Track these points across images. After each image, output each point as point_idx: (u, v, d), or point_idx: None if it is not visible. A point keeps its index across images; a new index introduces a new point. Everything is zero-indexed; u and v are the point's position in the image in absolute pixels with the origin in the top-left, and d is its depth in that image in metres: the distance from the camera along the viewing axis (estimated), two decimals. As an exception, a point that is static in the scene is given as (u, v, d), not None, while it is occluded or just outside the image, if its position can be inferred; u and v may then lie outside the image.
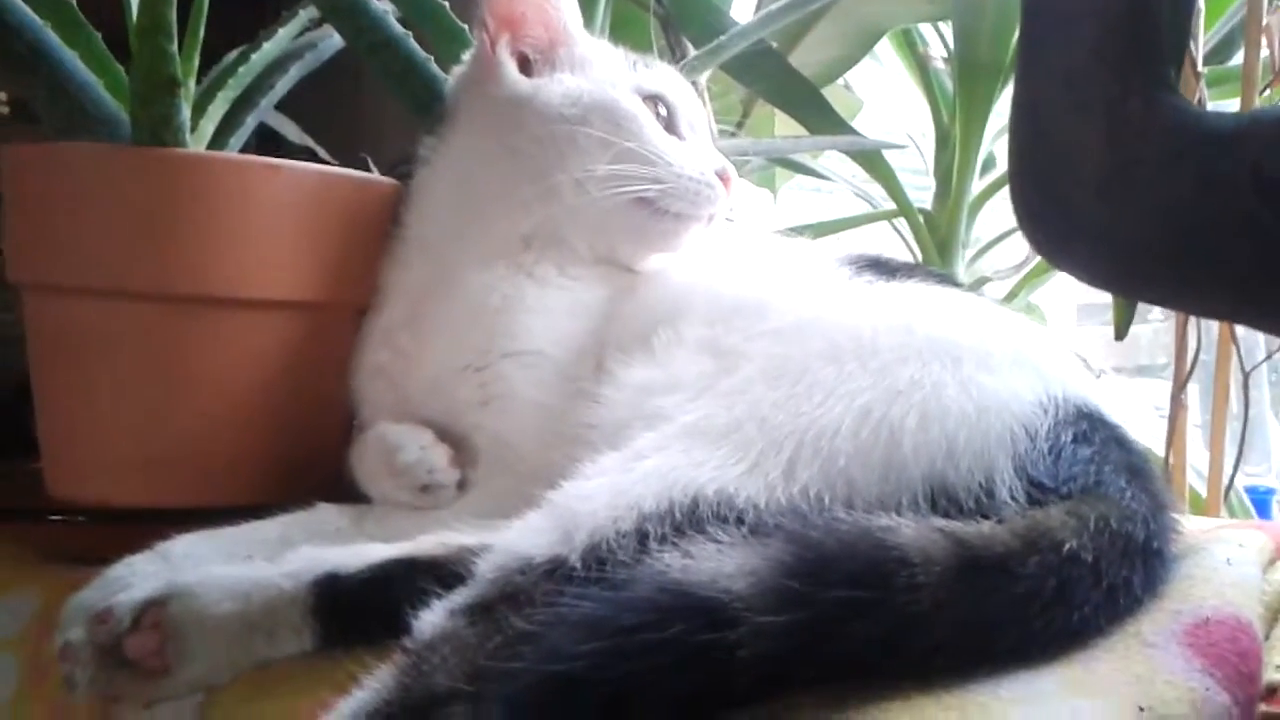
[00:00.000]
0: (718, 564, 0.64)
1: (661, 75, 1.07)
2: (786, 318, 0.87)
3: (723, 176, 1.02)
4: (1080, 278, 0.66)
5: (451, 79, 1.07)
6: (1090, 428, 0.79)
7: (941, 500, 0.72)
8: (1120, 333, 1.29)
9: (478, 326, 0.97)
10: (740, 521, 0.70)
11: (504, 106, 1.01)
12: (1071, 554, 0.69)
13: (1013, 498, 0.73)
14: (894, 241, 1.83)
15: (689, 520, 0.70)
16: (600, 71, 1.03)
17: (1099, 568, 0.70)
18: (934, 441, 0.74)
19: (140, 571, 0.82)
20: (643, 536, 0.70)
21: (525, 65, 1.02)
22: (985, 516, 0.71)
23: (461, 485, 0.94)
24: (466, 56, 1.06)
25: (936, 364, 0.78)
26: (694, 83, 1.57)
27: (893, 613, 0.63)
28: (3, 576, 0.97)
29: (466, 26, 1.15)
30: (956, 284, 1.01)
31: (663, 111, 1.03)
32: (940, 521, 0.69)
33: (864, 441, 0.74)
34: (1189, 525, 0.84)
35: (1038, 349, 0.84)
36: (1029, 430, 0.76)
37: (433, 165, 1.05)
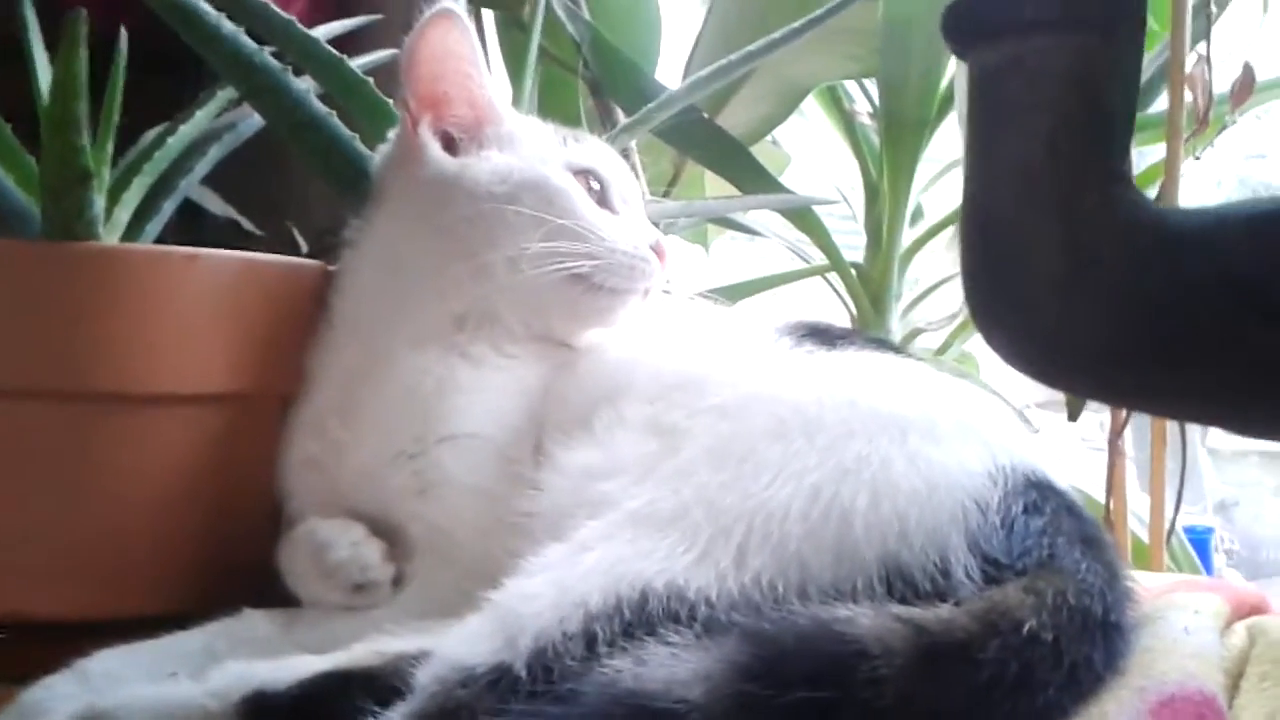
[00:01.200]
0: (670, 670, 0.61)
1: (592, 149, 1.05)
2: (729, 393, 0.85)
3: (657, 250, 1.00)
4: (1037, 378, 0.64)
5: (376, 158, 1.05)
6: (1040, 497, 0.77)
7: (897, 583, 0.70)
8: (1073, 415, 1.30)
9: (411, 411, 0.94)
10: (692, 617, 0.68)
11: (430, 186, 0.98)
12: (1032, 634, 0.67)
13: (968, 576, 0.71)
14: (828, 295, 1.83)
15: (638, 617, 0.68)
16: (529, 148, 1.01)
17: (1059, 647, 0.68)
18: (885, 520, 0.72)
19: (59, 694, 0.77)
20: (590, 638, 0.67)
21: (450, 144, 1.00)
22: (941, 598, 0.70)
23: (397, 581, 0.90)
24: (391, 135, 1.03)
25: (883, 438, 0.77)
26: (625, 149, 1.58)
27: (857, 711, 0.61)
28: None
29: (391, 101, 1.12)
30: (895, 348, 0.99)
31: (595, 185, 1.01)
32: (898, 609, 0.67)
33: (815, 523, 0.72)
34: (1140, 584, 0.83)
35: (981, 416, 0.83)
36: (980, 504, 0.74)
37: (359, 247, 1.02)
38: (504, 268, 0.96)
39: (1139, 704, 0.68)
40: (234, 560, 0.95)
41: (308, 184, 1.39)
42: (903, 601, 0.69)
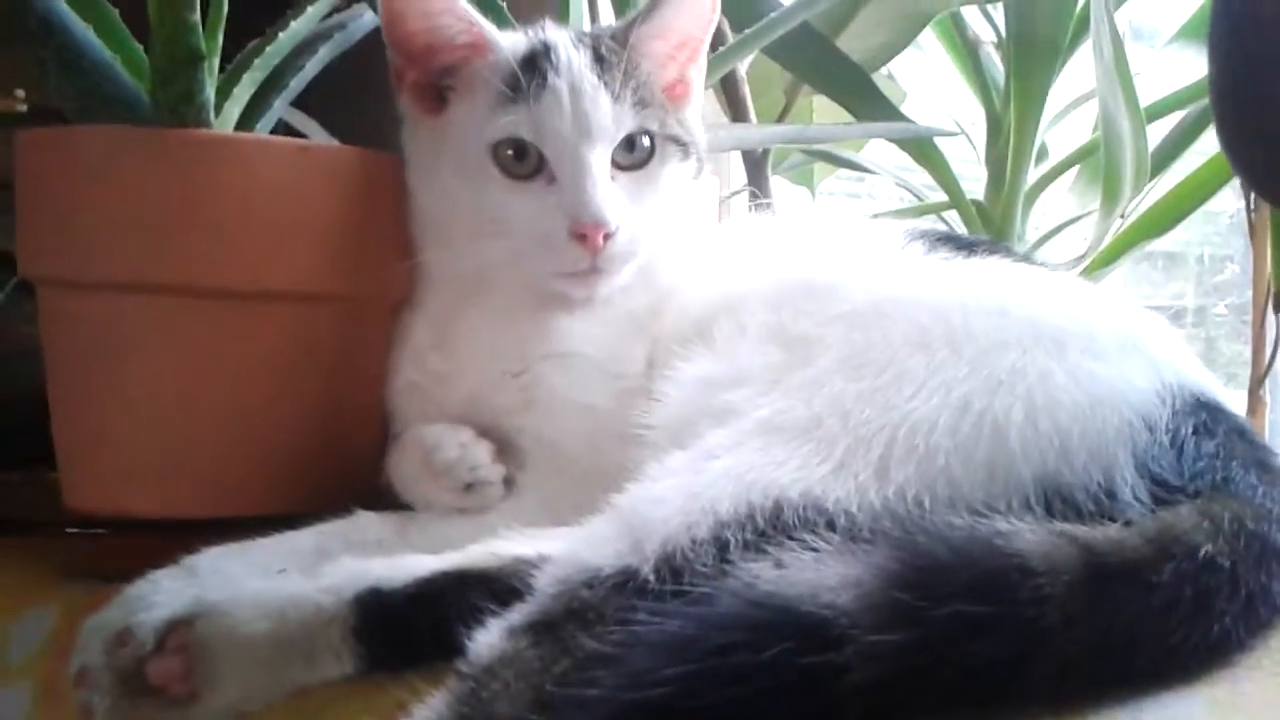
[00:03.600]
0: (816, 574, 0.57)
1: (530, 110, 0.89)
2: (861, 299, 0.80)
3: (578, 234, 0.88)
4: None
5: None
6: (1211, 418, 0.72)
7: (1056, 502, 0.65)
8: None
9: (509, 333, 0.93)
10: (831, 528, 0.63)
11: (412, 149, 0.96)
12: (1208, 559, 0.62)
13: (1136, 498, 0.66)
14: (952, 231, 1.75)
15: (772, 526, 0.64)
16: (468, 113, 0.92)
17: (1236, 574, 0.63)
18: (1044, 437, 0.67)
19: (164, 589, 0.75)
20: (721, 545, 0.63)
21: (438, 91, 0.94)
22: (1108, 519, 0.64)
23: (508, 482, 0.88)
24: None
25: (1039, 350, 0.71)
26: (733, 69, 1.52)
27: (1018, 629, 0.56)
28: (17, 595, 0.92)
29: (505, 4, 1.08)
30: (1040, 264, 0.93)
31: (529, 153, 0.90)
32: (1062, 525, 0.62)
33: (965, 437, 0.67)
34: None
35: (1145, 332, 0.77)
36: (1148, 422, 0.69)
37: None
38: (464, 243, 0.93)
39: (1325, 639, 0.62)
40: (344, 463, 0.93)
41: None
42: (1064, 521, 0.64)
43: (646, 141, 0.93)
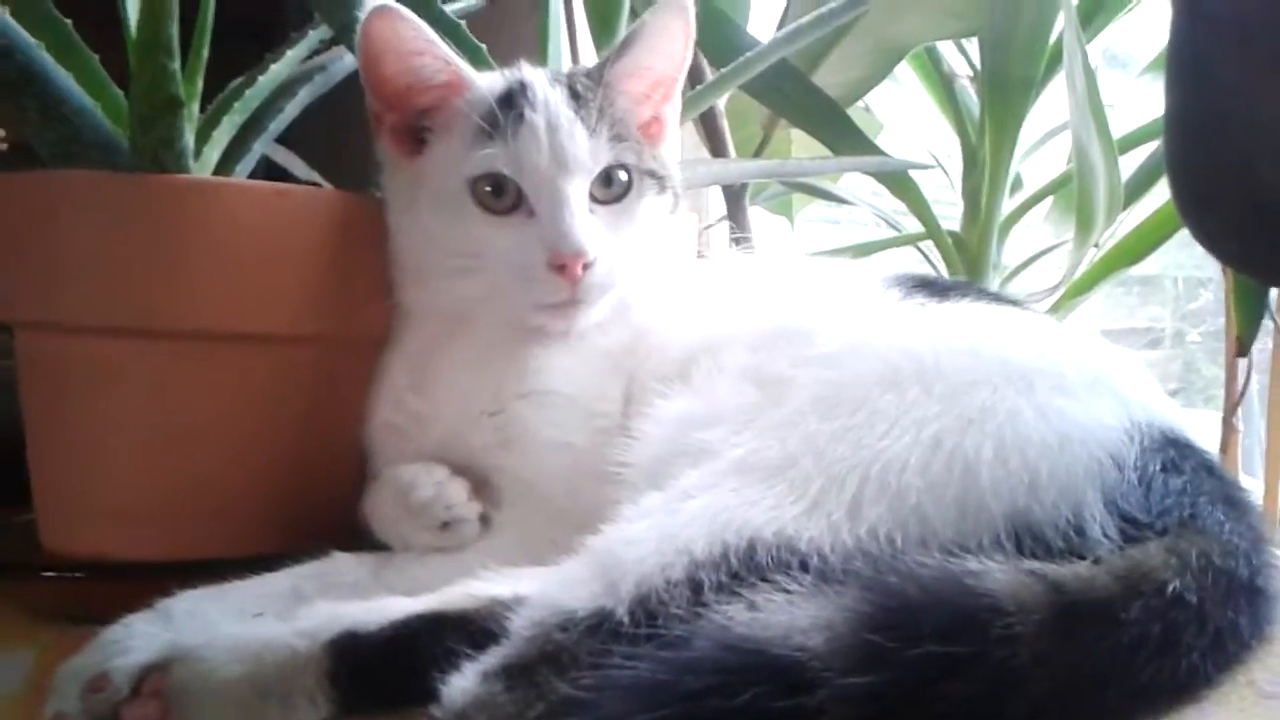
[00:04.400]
0: (789, 616, 0.58)
1: (507, 145, 0.90)
2: (836, 341, 0.81)
3: (557, 265, 0.88)
4: (1254, 269, 0.58)
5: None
6: (1179, 455, 0.73)
7: (1026, 539, 0.66)
8: (1243, 348, 1.24)
9: (485, 373, 0.93)
10: (804, 568, 0.64)
11: (392, 191, 0.97)
12: (1175, 596, 0.63)
13: (1105, 535, 0.66)
14: (920, 266, 1.77)
15: (746, 567, 0.64)
16: (446, 152, 0.93)
17: (1204, 610, 0.64)
18: (1014, 474, 0.68)
19: (140, 633, 0.75)
20: (696, 586, 0.63)
21: (421, 136, 0.95)
22: (1077, 556, 0.65)
23: (484, 520, 0.88)
24: None
25: (1009, 389, 0.72)
26: (712, 105, 1.53)
27: (990, 669, 0.56)
28: (-7, 638, 0.90)
29: (484, 47, 1.09)
30: (1013, 302, 0.94)
31: (508, 187, 0.91)
32: (1031, 564, 0.63)
33: (936, 475, 0.68)
34: None
35: (1114, 370, 0.78)
36: (1116, 460, 0.70)
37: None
38: (441, 280, 0.93)
39: (1293, 675, 0.63)
40: (321, 505, 0.93)
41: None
42: (1033, 559, 0.64)
43: (624, 175, 0.94)
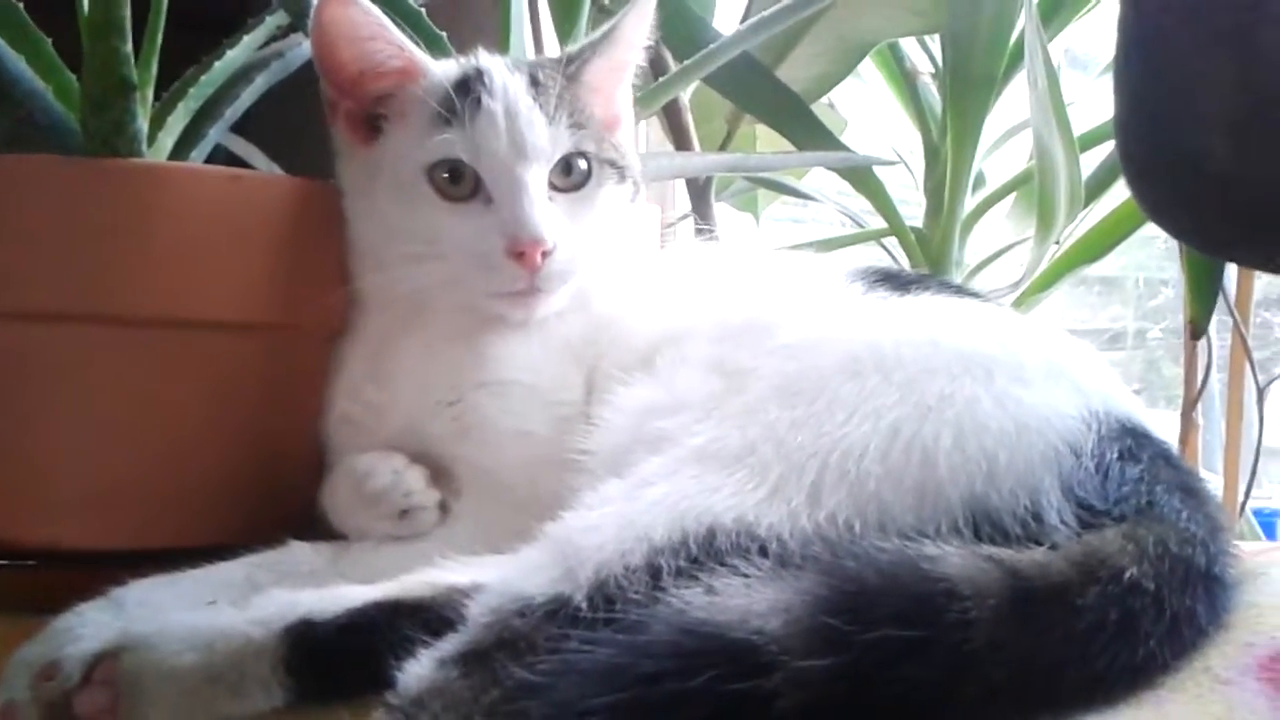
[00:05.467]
0: (746, 600, 0.57)
1: (465, 131, 0.89)
2: (798, 333, 0.81)
3: (515, 252, 0.88)
4: (1201, 242, 0.58)
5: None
6: (1136, 444, 0.73)
7: (984, 526, 0.66)
8: (1198, 331, 1.25)
9: (443, 362, 0.92)
10: (763, 553, 0.64)
11: (348, 178, 0.96)
12: (1132, 582, 0.63)
13: (1062, 522, 0.67)
14: (884, 262, 1.77)
15: (705, 553, 0.64)
16: (401, 139, 0.92)
17: (1161, 597, 0.64)
18: (972, 461, 0.68)
19: (91, 621, 0.74)
20: (655, 572, 0.63)
21: (377, 124, 0.94)
22: (1034, 543, 0.65)
23: (443, 507, 0.88)
24: None
25: (967, 378, 0.73)
26: (676, 98, 1.53)
27: (945, 653, 0.56)
28: (-60, 629, 0.88)
29: (445, 34, 1.08)
30: (975, 295, 0.94)
31: (465, 174, 0.90)
32: (988, 549, 0.63)
33: (895, 462, 0.68)
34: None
35: (1072, 360, 0.79)
36: (1073, 447, 0.70)
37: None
38: (399, 267, 0.92)
39: (1247, 659, 0.63)
40: (277, 494, 0.92)
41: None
42: (991, 545, 0.65)
43: (583, 164, 0.94)
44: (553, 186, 0.92)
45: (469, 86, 0.91)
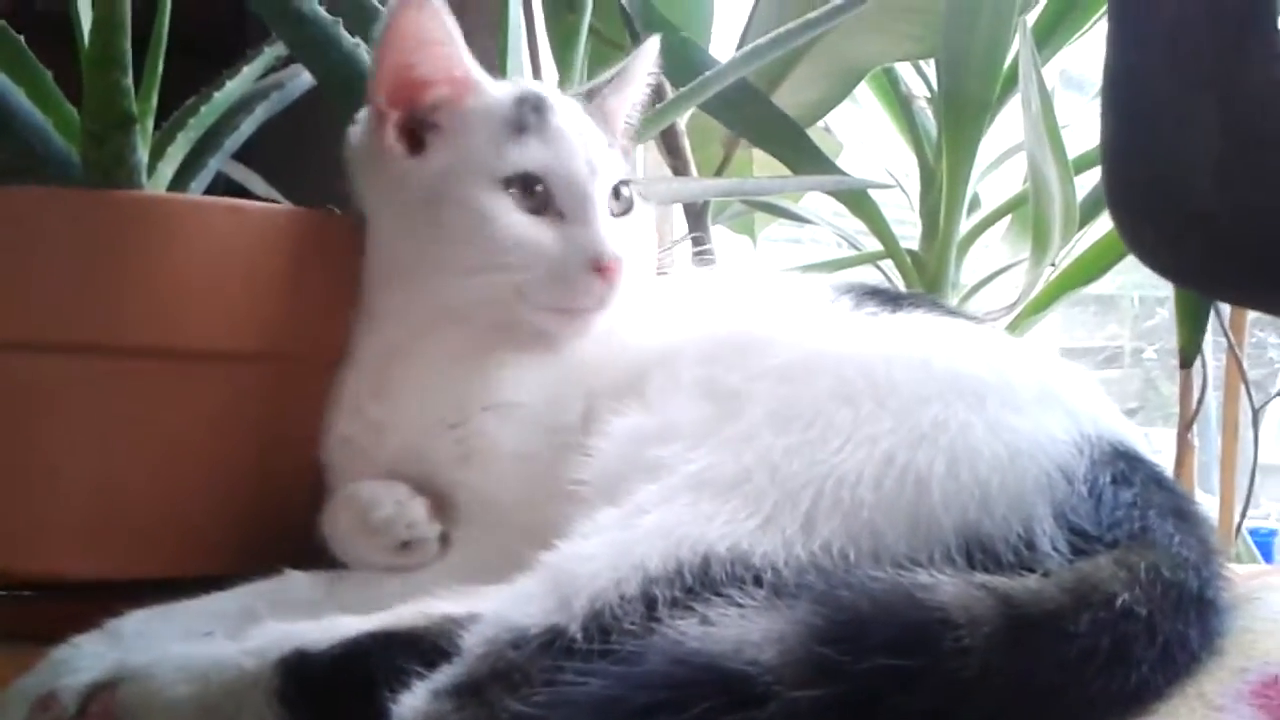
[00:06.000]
0: (741, 630, 0.57)
1: (539, 146, 0.92)
2: (790, 354, 0.81)
3: (599, 266, 0.89)
4: (1187, 280, 0.58)
5: (350, 139, 0.98)
6: (1129, 468, 0.73)
7: (977, 553, 0.66)
8: (1186, 360, 1.25)
9: (450, 381, 0.92)
10: (758, 582, 0.64)
11: (392, 189, 0.94)
12: (1125, 608, 0.63)
13: (1055, 548, 0.67)
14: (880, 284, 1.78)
15: (700, 582, 0.64)
16: (475, 142, 0.92)
17: (1154, 622, 0.64)
18: (965, 488, 0.68)
19: (88, 652, 0.74)
20: (650, 601, 0.63)
21: (420, 135, 0.94)
22: (1025, 571, 0.65)
23: (444, 540, 0.87)
24: (361, 115, 0.97)
25: (960, 403, 0.73)
26: (673, 124, 1.54)
27: (939, 681, 0.56)
28: (-62, 660, 0.89)
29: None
30: (965, 316, 0.94)
31: (536, 189, 0.91)
32: (982, 577, 0.63)
33: (889, 490, 0.68)
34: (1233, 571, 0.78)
35: (1063, 383, 0.79)
36: (1066, 473, 0.70)
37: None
38: (450, 278, 0.92)
39: (1240, 685, 0.63)
40: (274, 524, 0.92)
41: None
42: (984, 573, 0.65)
43: (627, 190, 0.96)
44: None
45: (531, 104, 0.93)
